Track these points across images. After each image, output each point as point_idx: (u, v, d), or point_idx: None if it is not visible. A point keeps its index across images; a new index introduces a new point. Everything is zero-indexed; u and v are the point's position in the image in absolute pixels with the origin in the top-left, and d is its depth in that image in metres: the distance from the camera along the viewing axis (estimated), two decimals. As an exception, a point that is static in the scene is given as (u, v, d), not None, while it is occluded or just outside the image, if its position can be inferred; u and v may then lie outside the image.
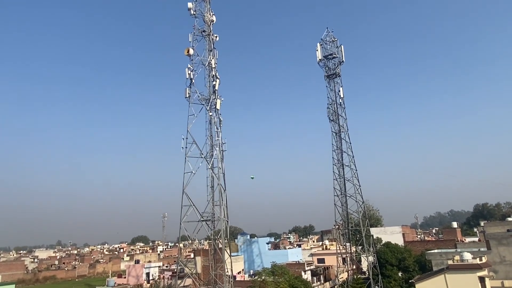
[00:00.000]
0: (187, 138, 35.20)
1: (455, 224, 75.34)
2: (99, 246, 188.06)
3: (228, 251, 33.86)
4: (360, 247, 48.25)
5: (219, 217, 33.34)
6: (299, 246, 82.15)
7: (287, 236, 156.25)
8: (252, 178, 50.36)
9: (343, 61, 50.04)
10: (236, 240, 64.91)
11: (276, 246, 70.58)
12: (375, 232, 61.70)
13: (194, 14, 37.50)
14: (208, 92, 36.75)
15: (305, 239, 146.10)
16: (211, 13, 38.38)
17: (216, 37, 38.34)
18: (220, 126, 36.37)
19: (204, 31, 37.87)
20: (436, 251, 38.34)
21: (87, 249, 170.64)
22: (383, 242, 56.91)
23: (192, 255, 72.37)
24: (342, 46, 50.32)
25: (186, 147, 34.94)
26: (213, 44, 37.95)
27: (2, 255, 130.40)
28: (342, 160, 48.36)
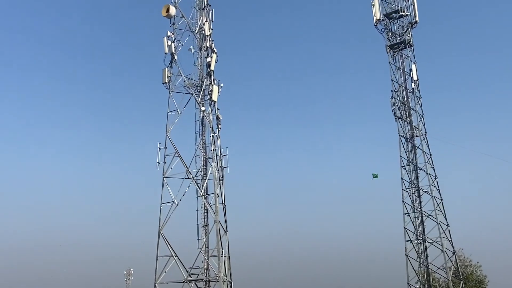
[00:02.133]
0: (165, 148, 35.56)
1: None
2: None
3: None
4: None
5: (217, 275, 33.34)
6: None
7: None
8: (375, 177, 50.32)
9: (416, 22, 49.82)
10: (246, 314, 64.65)
11: (311, 325, 69.93)
12: (475, 301, 60.43)
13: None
14: (199, 74, 37.17)
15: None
16: None
17: (211, -13, 39.02)
18: (218, 128, 36.68)
19: (192, -23, 38.63)
20: None
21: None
22: (490, 319, 55.87)
23: None
24: (415, -1, 50.29)
25: (164, 162, 35.27)
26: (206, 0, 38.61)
27: None
28: (418, 183, 47.80)
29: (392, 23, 50.55)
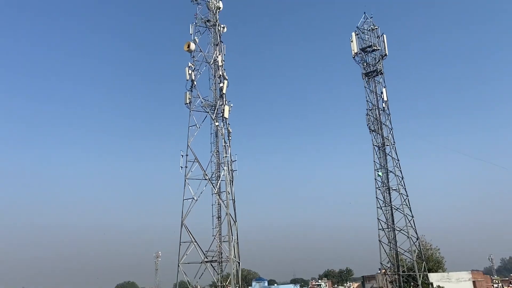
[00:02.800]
0: (187, 155, 35.86)
1: (543, 269, 72.68)
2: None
3: (240, 302, 33.78)
4: (415, 299, 47.10)
5: (228, 257, 33.43)
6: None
7: (317, 283, 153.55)
8: (379, 175, 50.42)
9: (386, 55, 50.21)
10: (250, 287, 64.43)
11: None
12: (435, 279, 59.83)
13: (196, 0, 38.69)
14: (214, 96, 37.53)
15: (341, 287, 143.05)
16: (217, -2, 39.53)
17: (223, 28, 39.35)
18: (229, 139, 36.94)
19: (208, 20, 38.99)
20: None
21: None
22: (447, 292, 55.37)
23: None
24: (385, 36, 50.64)
25: (186, 167, 35.56)
26: (219, 37, 38.96)
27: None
28: (388, 182, 47.85)
29: (366, 56, 50.87)
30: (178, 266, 33.83)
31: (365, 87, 50.27)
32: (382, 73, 50.03)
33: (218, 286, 35.36)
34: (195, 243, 34.07)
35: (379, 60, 50.20)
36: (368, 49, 50.50)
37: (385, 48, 50.26)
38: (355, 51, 50.83)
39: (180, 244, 34.06)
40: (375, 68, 50.05)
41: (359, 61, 50.91)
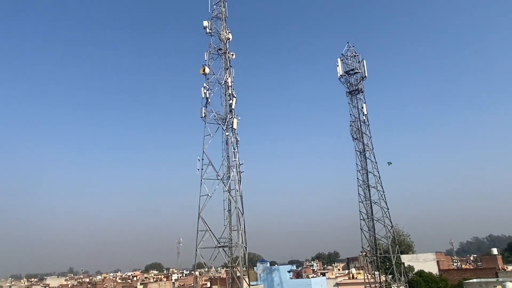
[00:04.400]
0: (202, 160, 35.53)
1: (495, 251, 71.73)
2: (111, 274, 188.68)
3: (247, 280, 33.32)
4: (390, 276, 46.60)
5: (237, 243, 33.09)
6: (323, 274, 79.82)
7: (310, 264, 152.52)
8: (389, 164, 50.16)
9: (365, 77, 50.04)
10: (255, 268, 63.87)
11: (298, 275, 68.93)
12: (406, 259, 59.52)
13: (210, 32, 38.57)
14: (225, 111, 37.25)
15: (329, 267, 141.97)
16: (227, 31, 39.38)
17: (232, 55, 39.18)
18: (237, 146, 36.61)
19: (220, 49, 38.78)
20: (475, 280, 36.75)
21: (99, 277, 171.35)
22: (416, 270, 54.98)
23: (208, 284, 71.44)
24: (364, 61, 50.42)
25: (201, 169, 35.21)
26: (229, 62, 38.75)
27: (13, 283, 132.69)
28: (368, 181, 47.55)
29: (350, 77, 50.70)
30: (196, 250, 33.49)
31: (348, 103, 50.12)
32: (362, 91, 49.85)
33: (229, 266, 35.02)
34: (209, 231, 33.73)
35: (360, 81, 50.01)
36: (351, 71, 50.32)
37: (365, 71, 50.06)
38: (340, 73, 50.70)
39: (197, 232, 33.74)
40: (357, 87, 49.85)
41: (344, 81, 50.78)
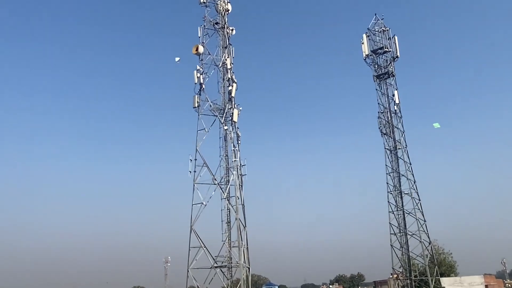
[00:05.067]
0: (195, 160, 35.51)
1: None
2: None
3: (251, 308, 33.45)
4: (427, 304, 46.58)
5: (238, 262, 33.13)
6: (344, 301, 80.00)
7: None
8: (436, 126, 50.13)
9: (397, 57, 49.78)
10: (260, 292, 64.11)
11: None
12: (447, 283, 59.21)
13: (204, 2, 38.49)
14: (223, 100, 37.24)
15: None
16: (226, 1, 39.26)
17: (232, 30, 39.12)
18: (238, 143, 36.63)
19: (217, 23, 38.72)
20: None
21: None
22: (459, 297, 54.81)
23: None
24: (396, 38, 50.15)
25: (194, 171, 35.23)
26: (228, 40, 38.69)
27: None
28: (400, 186, 47.44)
29: (378, 58, 50.48)
30: (188, 271, 33.59)
31: (376, 89, 50.03)
32: (393, 75, 49.61)
33: (228, 291, 35.07)
34: (204, 248, 33.77)
35: (391, 62, 49.80)
36: (379, 51, 50.13)
37: (396, 50, 49.83)
38: (366, 53, 50.50)
39: (189, 249, 33.79)
40: (386, 70, 49.64)
41: (370, 63, 50.65)
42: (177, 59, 37.73)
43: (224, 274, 34.30)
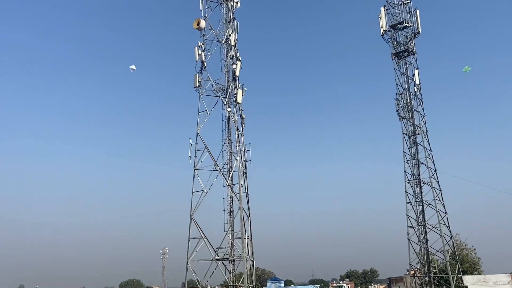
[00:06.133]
0: (196, 144, 35.95)
1: None
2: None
3: (254, 304, 34.03)
4: (448, 304, 46.93)
5: (241, 255, 33.63)
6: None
7: (339, 284, 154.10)
8: (466, 70, 50.27)
9: (419, 32, 49.36)
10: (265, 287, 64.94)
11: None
12: (470, 281, 59.36)
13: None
14: (226, 79, 37.46)
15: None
16: (230, -30, 39.23)
17: (236, 3, 39.14)
18: (242, 126, 36.92)
19: (220, -5, 38.76)
20: None
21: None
22: (483, 297, 55.13)
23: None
24: (418, 11, 49.73)
25: (195, 156, 35.69)
26: (232, 13, 38.73)
27: None
28: (419, 175, 47.48)
29: (397, 33, 50.18)
30: (187, 263, 34.19)
31: (394, 68, 49.72)
32: (414, 53, 49.29)
33: (230, 286, 35.64)
34: (205, 239, 34.33)
35: (411, 39, 49.41)
36: (399, 26, 49.72)
37: (418, 25, 49.40)
38: (384, 28, 50.15)
39: (189, 240, 34.36)
40: (406, 47, 49.31)
41: (389, 39, 50.26)
42: (132, 67, 38.51)
43: (226, 267, 34.89)
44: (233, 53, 37.61)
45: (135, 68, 38.84)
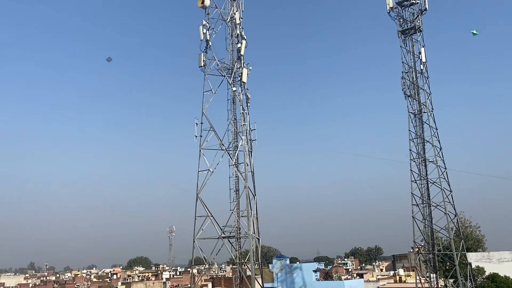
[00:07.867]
0: (202, 123, 36.36)
1: None
2: (84, 271, 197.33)
3: (260, 281, 34.87)
4: (451, 281, 47.69)
5: (247, 233, 34.34)
6: (361, 276, 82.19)
7: (343, 262, 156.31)
8: (474, 33, 50.70)
9: (425, 9, 48.93)
10: (270, 265, 66.07)
11: (327, 276, 71.17)
12: (474, 258, 60.42)
13: None
14: (231, 58, 37.57)
15: (369, 266, 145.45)
16: None
17: (241, -20, 38.88)
18: (247, 106, 37.20)
19: (224, -30, 38.53)
20: None
21: (68, 274, 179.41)
22: (487, 273, 55.89)
23: (209, 285, 74.53)
24: (425, -13, 49.21)
25: (200, 136, 36.11)
26: (237, -10, 38.56)
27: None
28: (425, 153, 47.77)
29: (403, 10, 49.75)
30: (194, 241, 34.88)
31: (401, 46, 49.41)
32: (421, 30, 48.94)
33: (236, 263, 36.45)
34: (211, 217, 34.95)
35: (418, 16, 49.00)
36: (406, 2, 49.28)
37: (425, 1, 48.95)
38: (390, 6, 49.67)
39: (195, 219, 34.95)
40: (413, 24, 48.93)
41: (395, 16, 49.82)
42: (108, 59, 38.77)
43: (232, 245, 35.63)
44: (238, 32, 37.64)
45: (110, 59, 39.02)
